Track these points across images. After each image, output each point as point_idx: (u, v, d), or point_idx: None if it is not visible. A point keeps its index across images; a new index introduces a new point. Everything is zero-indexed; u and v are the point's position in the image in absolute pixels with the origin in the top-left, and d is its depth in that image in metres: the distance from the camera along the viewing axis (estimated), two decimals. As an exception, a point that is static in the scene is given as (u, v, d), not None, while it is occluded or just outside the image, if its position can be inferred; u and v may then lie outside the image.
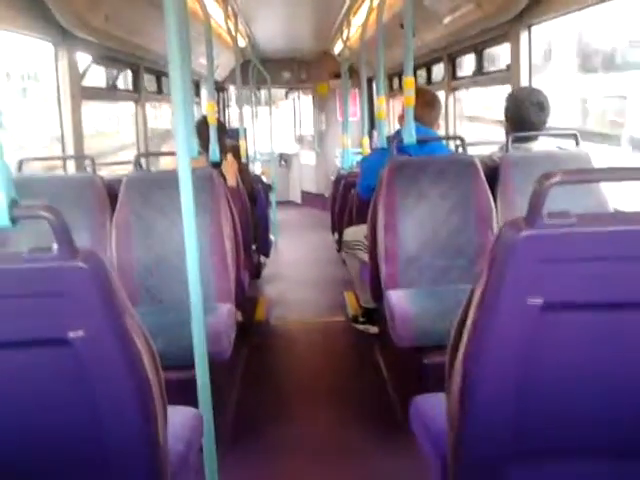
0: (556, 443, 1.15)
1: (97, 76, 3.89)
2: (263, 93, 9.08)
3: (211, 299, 2.39)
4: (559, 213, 1.00)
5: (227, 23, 4.78)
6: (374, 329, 3.56)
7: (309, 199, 9.02)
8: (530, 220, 0.99)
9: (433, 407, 1.43)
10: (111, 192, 2.65)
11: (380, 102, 3.52)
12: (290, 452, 2.38)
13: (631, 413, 1.12)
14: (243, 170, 3.92)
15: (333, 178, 5.90)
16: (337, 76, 7.86)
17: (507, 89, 3.31)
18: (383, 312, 2.53)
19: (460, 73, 4.61)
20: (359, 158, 5.17)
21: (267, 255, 4.76)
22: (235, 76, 5.21)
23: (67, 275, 1.00)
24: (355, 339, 3.61)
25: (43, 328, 1.03)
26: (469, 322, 1.10)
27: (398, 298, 2.37)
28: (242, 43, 6.11)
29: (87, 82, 3.47)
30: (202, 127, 3.23)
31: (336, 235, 4.89)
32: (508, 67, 3.49)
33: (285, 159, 9.42)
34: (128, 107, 4.61)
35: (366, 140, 5.21)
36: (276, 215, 6.71)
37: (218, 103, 7.86)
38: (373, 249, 2.71)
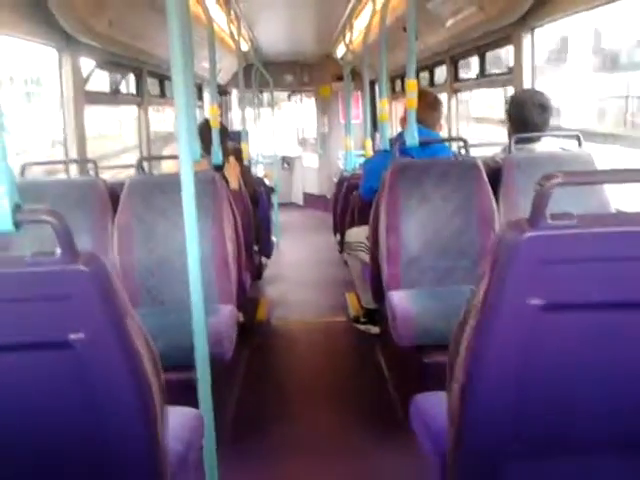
0: (556, 441, 1.15)
1: (100, 80, 3.91)
2: (265, 96, 9.10)
3: (212, 300, 2.40)
4: (561, 214, 1.00)
5: (230, 27, 4.79)
6: (375, 329, 3.57)
7: (311, 201, 9.03)
8: (532, 221, 0.99)
9: (433, 406, 1.43)
10: (113, 195, 2.66)
11: (383, 104, 3.53)
12: (291, 452, 2.38)
13: (631, 412, 1.12)
14: (245, 173, 3.93)
15: (336, 180, 5.91)
16: (339, 79, 7.88)
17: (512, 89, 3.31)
18: (384, 312, 2.54)
19: (463, 75, 4.61)
20: (362, 160, 5.18)
21: (269, 256, 4.77)
22: (238, 79, 5.22)
23: (69, 278, 1.01)
24: (356, 339, 3.62)
25: (45, 331, 1.04)
26: (470, 322, 1.10)
27: (400, 298, 2.38)
28: (245, 47, 6.13)
29: (90, 86, 3.49)
30: (204, 130, 3.24)
31: (338, 236, 4.90)
32: (510, 69, 3.49)
33: (288, 162, 9.44)
34: (130, 110, 4.63)
35: (369, 142, 5.22)
36: (278, 217, 6.73)
37: (220, 106, 7.88)
38: (375, 250, 2.72)
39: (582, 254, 1.01)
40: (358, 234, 3.49)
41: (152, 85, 4.80)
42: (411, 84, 2.70)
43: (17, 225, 1.02)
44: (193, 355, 1.69)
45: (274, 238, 5.52)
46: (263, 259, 4.59)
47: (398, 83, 6.55)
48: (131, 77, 4.38)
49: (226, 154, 3.43)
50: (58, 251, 1.00)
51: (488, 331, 1.06)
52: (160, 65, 4.51)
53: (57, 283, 1.01)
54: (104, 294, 1.03)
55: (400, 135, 3.01)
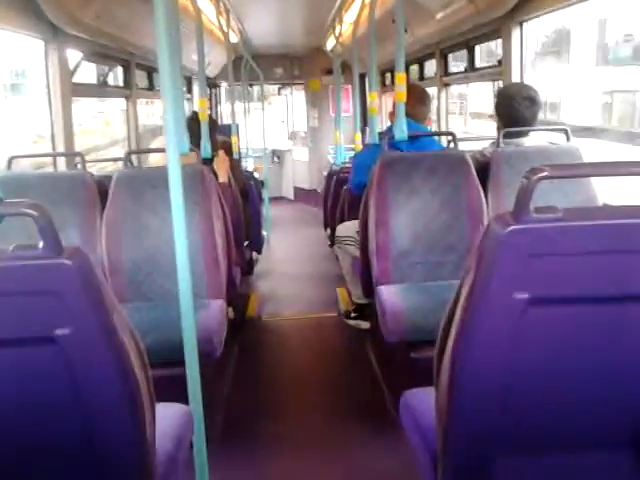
0: (544, 435, 1.16)
1: (88, 72, 3.87)
2: (256, 89, 9.06)
3: (202, 295, 2.39)
4: (546, 208, 1.00)
5: (219, 19, 4.75)
6: (366, 324, 3.57)
7: (302, 195, 9.01)
8: (517, 215, 0.99)
9: (422, 401, 1.43)
10: (101, 189, 2.64)
11: (372, 98, 3.52)
12: (282, 449, 2.38)
13: (616, 406, 1.13)
14: (235, 166, 3.91)
15: (326, 174, 5.90)
16: (329, 72, 7.85)
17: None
18: (374, 307, 2.54)
19: (454, 69, 4.61)
20: (352, 154, 5.17)
21: (259, 251, 4.76)
22: (226, 72, 5.19)
23: (52, 272, 1.00)
24: (347, 335, 3.62)
25: (29, 326, 1.03)
26: (457, 317, 1.10)
27: (389, 293, 2.38)
28: (234, 39, 6.09)
29: (78, 78, 3.45)
30: (193, 123, 3.21)
31: (328, 231, 4.89)
32: (500, 63, 3.49)
33: (278, 155, 9.41)
34: (114, 103, 4.58)
35: (359, 136, 5.21)
36: (269, 211, 6.71)
37: (210, 99, 7.84)
38: (365, 245, 2.71)
39: (567, 247, 1.01)
40: (348, 228, 3.48)
41: (140, 78, 4.75)
42: (400, 77, 2.69)
43: None
44: (182, 351, 1.68)
45: (264, 233, 5.50)
46: (254, 254, 4.58)
47: (388, 76, 6.54)
48: (119, 69, 4.34)
49: (215, 148, 3.41)
50: (41, 245, 0.99)
51: (474, 325, 1.06)
52: (148, 57, 4.47)
53: (40, 277, 1.00)
54: (89, 289, 1.02)
55: (389, 129, 3.00)
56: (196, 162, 2.74)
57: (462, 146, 2.82)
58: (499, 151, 2.64)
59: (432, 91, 4.77)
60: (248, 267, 4.11)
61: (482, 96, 4.73)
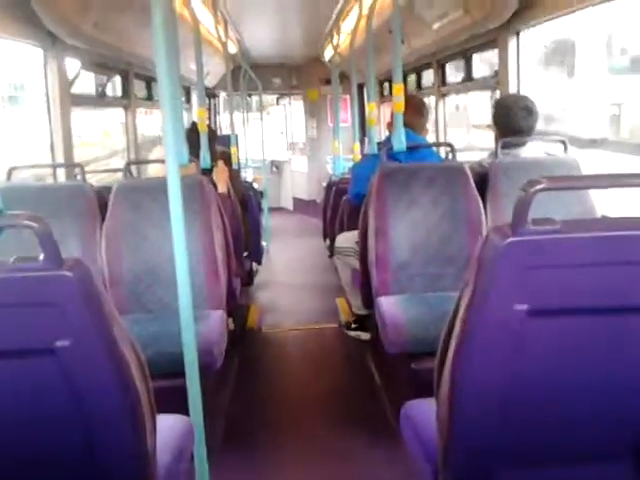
0: (544, 447, 1.15)
1: (87, 83, 3.88)
2: (254, 100, 9.08)
3: (202, 306, 2.39)
4: (543, 219, 1.00)
5: (217, 29, 4.78)
6: (366, 335, 3.56)
7: (301, 206, 9.02)
8: (515, 227, 1.00)
9: (423, 413, 1.43)
10: (101, 200, 2.64)
11: (371, 108, 3.53)
12: (282, 460, 2.37)
13: (616, 418, 1.13)
14: (234, 177, 3.92)
15: (325, 184, 5.91)
16: (328, 82, 7.88)
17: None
18: (374, 318, 2.53)
19: (452, 79, 4.63)
20: (351, 164, 5.18)
21: (259, 262, 4.75)
22: (224, 82, 5.21)
23: (53, 284, 1.00)
24: (347, 346, 3.61)
25: (29, 338, 1.03)
26: (456, 328, 1.10)
27: (389, 305, 2.38)
28: (232, 49, 6.12)
29: (77, 88, 3.46)
30: (192, 134, 3.22)
31: (328, 241, 4.89)
32: (496, 73, 3.51)
33: (277, 166, 9.43)
34: (112, 115, 4.59)
35: (357, 146, 5.22)
36: (268, 222, 6.71)
37: (209, 109, 7.86)
38: (364, 255, 2.71)
39: (566, 259, 1.01)
40: (348, 239, 3.49)
41: (139, 88, 4.77)
42: (397, 88, 2.70)
43: None
44: (182, 362, 1.68)
45: (264, 243, 5.50)
46: (254, 265, 4.57)
47: (386, 86, 6.57)
48: (118, 80, 4.35)
49: (214, 158, 3.42)
50: (41, 257, 0.99)
51: (474, 337, 1.06)
52: (147, 67, 4.49)
53: (40, 289, 1.00)
54: (89, 300, 1.02)
55: (388, 139, 3.01)
56: (195, 173, 2.75)
57: (460, 157, 2.83)
58: (497, 162, 2.65)
59: (429, 101, 4.80)
60: (248, 278, 4.10)
61: (481, 108, 4.73)
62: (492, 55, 3.77)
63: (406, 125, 2.78)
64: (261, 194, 6.26)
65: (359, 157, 4.96)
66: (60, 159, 3.18)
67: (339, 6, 4.66)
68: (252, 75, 7.11)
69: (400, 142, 2.67)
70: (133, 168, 3.02)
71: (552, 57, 3.66)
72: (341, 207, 3.98)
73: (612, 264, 1.02)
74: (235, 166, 4.79)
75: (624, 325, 1.06)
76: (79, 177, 2.80)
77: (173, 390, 1.74)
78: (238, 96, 7.26)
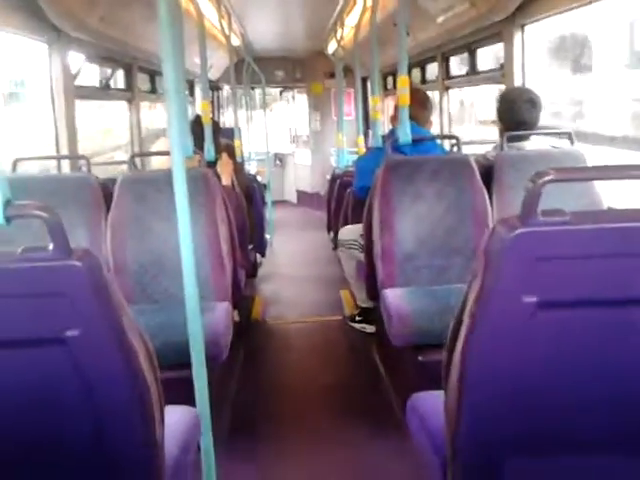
0: (553, 438, 1.16)
1: (91, 76, 3.88)
2: (257, 95, 9.07)
3: (208, 298, 2.39)
4: (553, 211, 1.00)
5: (221, 22, 4.77)
6: (371, 328, 3.57)
7: (304, 198, 9.01)
8: (524, 218, 1.00)
9: (430, 405, 1.44)
10: (105, 192, 2.65)
11: (375, 102, 3.53)
12: (288, 451, 2.38)
13: (627, 409, 1.13)
14: (238, 170, 3.92)
15: (329, 177, 5.91)
16: (331, 75, 7.86)
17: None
18: (379, 311, 2.54)
19: (456, 72, 4.62)
20: (355, 157, 5.18)
21: (263, 254, 4.76)
22: (228, 75, 5.20)
23: (62, 274, 1.00)
24: (352, 338, 3.62)
25: (38, 328, 1.03)
26: (465, 320, 1.10)
27: (394, 297, 2.38)
28: (236, 42, 6.10)
29: (81, 81, 3.47)
30: (195, 126, 3.23)
31: (332, 234, 4.89)
32: (502, 66, 3.50)
33: (280, 158, 9.42)
34: (113, 110, 4.58)
35: (361, 139, 5.21)
36: (272, 214, 6.71)
37: (212, 102, 7.85)
38: (369, 248, 2.71)
39: (575, 251, 1.01)
40: (352, 232, 3.49)
41: (142, 81, 4.77)
42: (403, 80, 2.70)
43: (8, 220, 1.01)
44: (188, 353, 1.68)
45: (267, 236, 5.51)
46: (258, 257, 4.58)
47: (390, 80, 6.55)
48: (122, 73, 4.35)
49: (218, 151, 3.42)
50: (50, 246, 0.99)
51: (483, 329, 1.06)
52: (151, 60, 4.48)
53: (50, 279, 1.01)
54: (98, 290, 1.03)
55: (392, 132, 3.01)
56: (200, 165, 2.75)
57: (465, 150, 2.83)
58: (503, 154, 2.65)
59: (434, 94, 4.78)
60: (252, 270, 4.11)
61: (488, 103, 4.71)
62: (497, 48, 3.76)
63: (410, 118, 2.78)
64: (265, 187, 6.26)
65: (363, 150, 4.96)
66: (64, 151, 3.19)
67: (343, -1, 4.65)
68: (255, 68, 7.09)
69: (405, 135, 2.67)
70: (137, 161, 3.02)
71: (566, 51, 3.61)
72: (345, 200, 3.98)
73: (622, 256, 1.02)
74: (239, 159, 4.79)
75: (632, 316, 1.06)
76: (84, 169, 2.80)
77: (178, 381, 1.75)
78: (241, 89, 7.25)
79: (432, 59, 4.85)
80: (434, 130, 4.13)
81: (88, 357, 1.05)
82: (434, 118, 3.49)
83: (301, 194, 9.17)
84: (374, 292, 2.70)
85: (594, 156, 2.69)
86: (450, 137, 3.22)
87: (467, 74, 4.24)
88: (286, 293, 4.68)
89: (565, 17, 2.94)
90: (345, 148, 5.71)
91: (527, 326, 1.04)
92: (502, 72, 3.46)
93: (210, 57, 4.46)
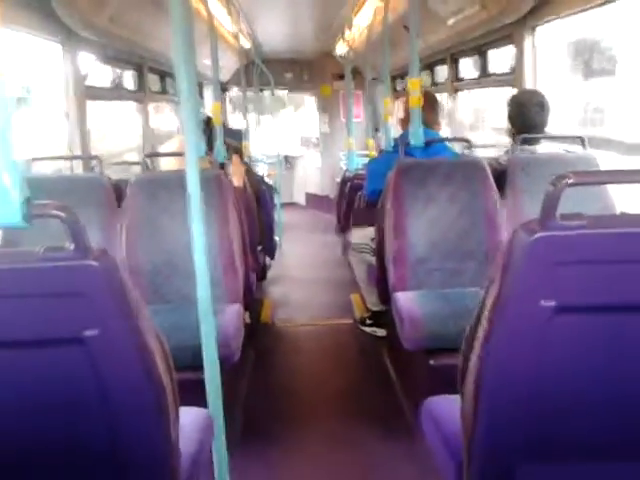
0: (570, 443, 1.15)
1: (102, 77, 3.90)
2: (267, 95, 9.07)
3: (219, 299, 2.39)
4: (572, 215, 1.00)
5: (231, 24, 4.78)
6: (381, 331, 3.55)
7: (313, 201, 9.01)
8: (543, 221, 0.99)
9: (445, 409, 1.43)
10: (118, 192, 2.66)
11: (386, 104, 3.52)
12: (298, 453, 2.38)
13: None
14: (248, 171, 3.93)
15: (338, 180, 5.91)
16: (340, 77, 7.86)
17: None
18: (391, 314, 2.53)
19: (465, 75, 4.61)
20: (365, 160, 5.17)
21: (272, 256, 4.76)
22: (237, 77, 5.21)
23: (81, 274, 1.00)
24: (362, 341, 3.60)
25: (57, 327, 1.04)
26: (482, 324, 1.10)
27: (406, 300, 2.37)
28: (245, 44, 6.12)
29: (92, 82, 3.48)
30: (205, 127, 3.23)
31: (341, 237, 4.89)
32: (513, 69, 3.49)
33: (289, 161, 9.42)
34: (116, 111, 4.60)
35: (371, 142, 5.21)
36: (281, 217, 6.71)
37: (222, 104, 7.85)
38: (381, 251, 2.71)
39: (594, 255, 1.01)
40: (363, 235, 3.48)
41: (152, 82, 4.78)
42: (414, 82, 2.69)
43: (27, 219, 1.01)
44: (200, 355, 1.69)
45: (277, 238, 5.51)
46: (267, 259, 4.59)
47: (399, 82, 6.55)
48: (132, 74, 4.36)
49: (228, 152, 3.43)
50: (69, 245, 0.99)
51: (500, 333, 1.06)
52: (161, 61, 4.50)
53: (69, 279, 1.01)
54: (117, 290, 1.03)
55: (404, 135, 3.00)
56: (212, 166, 2.76)
57: (476, 154, 2.82)
58: (516, 158, 2.64)
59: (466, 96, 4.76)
60: (261, 272, 4.11)
61: (502, 109, 4.68)
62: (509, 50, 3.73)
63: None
64: (274, 189, 6.27)
65: (374, 153, 4.95)
66: (76, 151, 3.20)
67: (352, 1, 4.65)
68: (264, 70, 7.10)
69: (418, 137, 2.66)
70: (147, 161, 3.03)
71: (590, 54, 3.55)
72: (356, 203, 3.97)
73: None
74: (247, 160, 4.79)
75: None
76: (97, 169, 2.81)
77: (190, 383, 1.75)
78: (250, 92, 7.26)
79: (441, 61, 4.84)
80: (444, 133, 4.12)
81: (106, 357, 1.05)
82: (444, 121, 3.48)
83: (310, 197, 9.16)
84: (385, 295, 2.69)
85: (611, 163, 2.67)
86: (462, 140, 3.21)
87: (477, 77, 4.23)
88: (295, 296, 4.67)
89: (585, 18, 2.90)
90: (354, 151, 5.71)
91: (545, 330, 1.03)
92: (513, 75, 3.45)
93: (219, 59, 4.48)
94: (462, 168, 2.60)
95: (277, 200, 6.51)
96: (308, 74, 8.71)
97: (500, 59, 4.00)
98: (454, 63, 4.60)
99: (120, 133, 5.14)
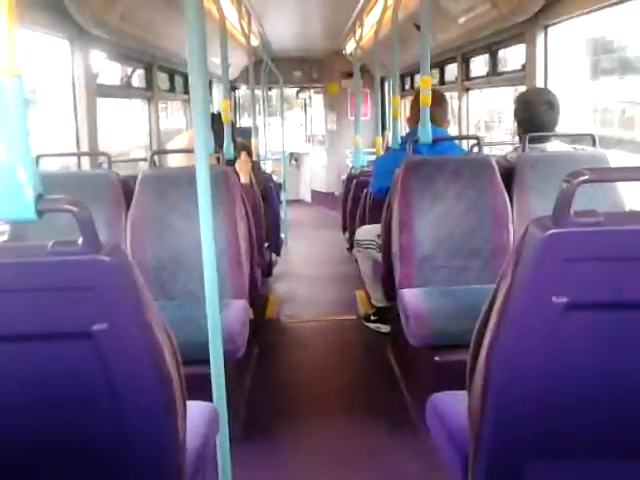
0: (580, 441, 1.15)
1: (111, 75, 3.91)
2: (274, 94, 9.08)
3: (225, 295, 2.40)
4: (586, 212, 0.99)
5: (241, 23, 4.79)
6: (385, 328, 3.56)
7: (319, 198, 9.02)
8: (557, 218, 0.99)
9: (451, 405, 1.43)
10: (126, 189, 2.66)
11: (395, 102, 3.52)
12: (301, 450, 2.38)
13: None
14: (256, 169, 3.93)
15: (344, 177, 5.90)
16: (348, 75, 7.86)
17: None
18: (396, 311, 2.53)
19: (475, 73, 4.59)
20: (371, 158, 5.17)
21: (278, 253, 4.77)
22: (245, 75, 5.22)
23: (91, 269, 1.00)
24: (366, 338, 3.61)
25: (66, 322, 1.04)
26: (493, 320, 1.09)
27: (412, 297, 2.37)
28: (254, 42, 6.12)
29: (101, 80, 3.50)
30: (214, 124, 3.23)
31: (347, 234, 4.89)
32: (523, 67, 3.48)
33: (295, 158, 9.43)
34: (120, 109, 4.62)
35: (379, 140, 5.21)
36: (287, 213, 6.72)
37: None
38: (387, 248, 2.71)
39: (608, 252, 1.00)
40: (369, 232, 3.48)
41: (161, 80, 4.79)
42: (425, 80, 2.69)
43: (40, 214, 1.01)
44: (205, 350, 1.69)
45: (282, 235, 5.52)
46: (273, 256, 4.59)
47: (407, 80, 6.54)
48: (141, 72, 4.38)
49: (236, 149, 3.44)
50: (80, 239, 1.00)
51: (511, 329, 1.05)
52: (171, 59, 4.51)
53: (79, 273, 1.01)
54: (126, 285, 1.03)
55: (413, 132, 3.00)
56: (220, 163, 2.76)
57: (484, 151, 2.81)
58: (524, 156, 2.63)
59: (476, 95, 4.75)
60: (267, 269, 4.12)
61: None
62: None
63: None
64: (280, 186, 6.27)
65: (381, 151, 4.95)
66: (84, 148, 3.22)
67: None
68: (273, 68, 7.10)
69: (427, 135, 2.66)
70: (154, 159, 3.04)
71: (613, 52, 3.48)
72: (362, 200, 3.97)
73: None
74: (255, 158, 4.80)
75: None
76: (105, 166, 2.82)
77: (195, 377, 1.75)
78: (259, 90, 7.27)
79: (451, 60, 4.83)
80: (453, 132, 4.11)
81: (114, 352, 1.05)
82: (452, 119, 3.48)
83: (316, 194, 9.17)
84: (391, 292, 2.69)
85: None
86: (471, 137, 3.20)
87: (487, 75, 4.21)
88: (300, 292, 4.68)
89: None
90: (361, 148, 5.71)
91: (555, 327, 1.03)
92: (523, 74, 3.44)
93: (229, 57, 4.49)
94: (470, 166, 2.59)
95: (283, 197, 6.52)
96: (317, 72, 8.72)
97: (511, 58, 3.99)
98: (464, 62, 4.58)
99: (127, 131, 5.16)
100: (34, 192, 0.99)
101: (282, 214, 5.83)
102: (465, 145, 3.30)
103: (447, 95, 3.41)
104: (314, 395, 2.90)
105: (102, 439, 1.14)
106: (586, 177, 0.97)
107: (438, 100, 3.11)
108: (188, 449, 1.28)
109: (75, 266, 1.00)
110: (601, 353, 1.07)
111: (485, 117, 5.40)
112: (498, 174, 2.55)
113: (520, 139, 2.75)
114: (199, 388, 1.66)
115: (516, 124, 2.85)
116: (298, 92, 9.44)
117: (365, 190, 3.89)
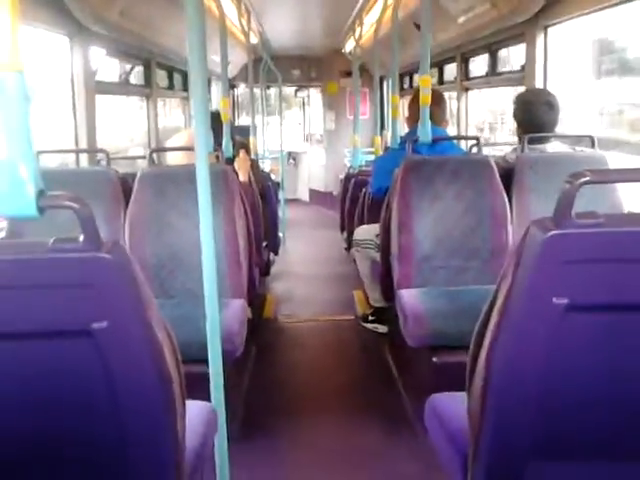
0: (580, 442, 1.15)
1: (110, 72, 3.90)
2: (273, 93, 9.06)
3: (223, 294, 2.39)
4: (586, 213, 0.99)
5: (240, 21, 4.78)
6: (383, 328, 3.56)
7: (317, 197, 9.01)
8: (558, 220, 0.98)
9: (450, 406, 1.43)
10: (125, 186, 2.66)
11: (394, 101, 3.51)
12: (299, 450, 2.38)
13: None
14: (254, 167, 3.92)
15: (342, 177, 5.90)
16: (347, 74, 7.84)
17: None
18: (394, 311, 2.53)
19: (475, 73, 4.59)
20: (370, 157, 5.16)
21: (276, 252, 4.76)
22: (244, 73, 5.21)
23: (92, 266, 1.00)
24: (364, 338, 3.61)
25: (66, 319, 1.03)
26: (493, 321, 1.09)
27: (410, 297, 2.37)
28: (253, 40, 6.11)
29: (99, 77, 3.49)
30: (213, 122, 3.22)
31: (345, 234, 4.88)
32: (523, 68, 3.47)
33: (294, 157, 9.42)
34: (119, 106, 4.61)
35: (378, 139, 5.20)
36: (285, 213, 6.71)
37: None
38: (386, 248, 2.70)
39: (608, 253, 1.00)
40: (367, 231, 3.48)
41: (160, 77, 4.78)
42: (425, 80, 2.68)
43: (41, 211, 1.01)
44: (203, 349, 1.68)
45: (281, 234, 5.51)
46: (271, 255, 4.59)
47: (406, 80, 6.53)
48: (140, 69, 4.36)
49: (235, 147, 3.43)
50: (81, 236, 0.99)
51: (511, 331, 1.05)
52: (169, 56, 4.49)
53: (80, 270, 1.00)
54: (127, 283, 1.02)
55: (412, 132, 2.99)
56: (219, 161, 2.76)
57: (484, 152, 2.81)
58: (524, 156, 2.63)
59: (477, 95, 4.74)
60: (265, 268, 4.11)
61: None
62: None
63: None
64: (278, 185, 6.26)
65: (380, 151, 4.94)
66: (83, 145, 3.21)
67: (362, -2, 4.64)
68: (272, 67, 7.09)
69: (426, 135, 2.66)
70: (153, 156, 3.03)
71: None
72: (360, 200, 3.97)
73: None
74: (253, 157, 4.79)
75: None
76: (103, 163, 2.81)
77: (193, 376, 1.75)
78: (257, 88, 7.25)
79: (450, 59, 4.82)
80: (452, 132, 4.11)
81: (114, 349, 1.05)
82: (451, 119, 3.47)
83: (314, 193, 9.16)
84: (389, 292, 2.69)
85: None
86: (471, 138, 3.20)
87: (486, 75, 4.21)
88: (298, 291, 4.68)
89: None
90: (360, 148, 5.71)
91: (556, 328, 1.03)
92: (523, 74, 3.44)
93: (228, 55, 4.47)
94: (469, 166, 2.59)
95: (281, 196, 6.51)
96: (316, 71, 8.70)
97: (511, 58, 3.99)
98: (464, 62, 4.58)
99: (125, 128, 5.15)
100: (35, 188, 0.98)
101: (280, 213, 5.82)
102: (463, 145, 3.30)
103: (445, 95, 3.41)
104: (312, 395, 2.90)
105: (101, 437, 1.13)
106: (587, 178, 0.97)
107: (437, 99, 3.11)
108: (187, 448, 1.28)
109: (76, 263, 0.99)
110: (601, 354, 1.07)
111: (489, 118, 5.41)
112: (497, 174, 2.55)
113: (519, 140, 2.75)
114: (197, 387, 1.66)
115: (515, 125, 2.85)
116: (297, 91, 9.43)
117: (363, 190, 3.89)
